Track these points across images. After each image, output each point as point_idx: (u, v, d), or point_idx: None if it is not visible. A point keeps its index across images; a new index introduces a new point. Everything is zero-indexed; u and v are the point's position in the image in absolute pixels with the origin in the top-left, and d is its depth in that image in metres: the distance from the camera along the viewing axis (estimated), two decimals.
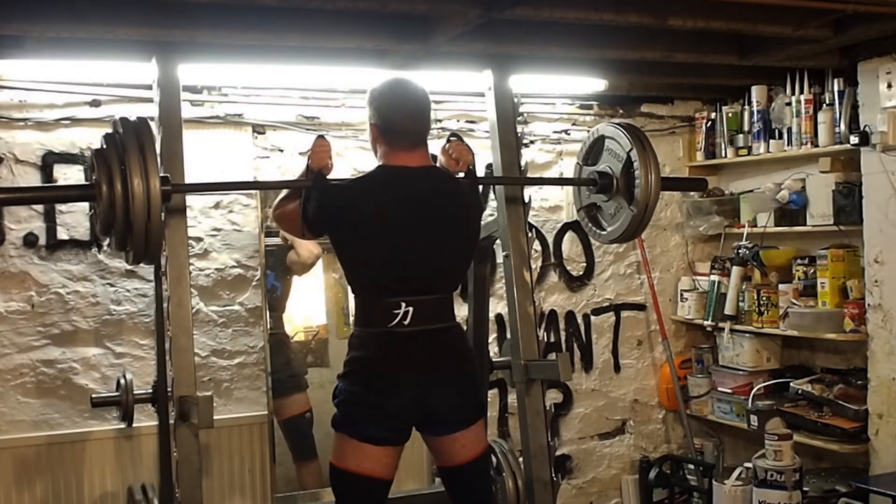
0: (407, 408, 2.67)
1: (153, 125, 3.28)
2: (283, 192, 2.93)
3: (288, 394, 4.29)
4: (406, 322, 2.63)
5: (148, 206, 2.46)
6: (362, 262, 2.70)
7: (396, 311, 2.62)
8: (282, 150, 4.13)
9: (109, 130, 2.62)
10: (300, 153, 4.15)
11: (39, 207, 3.69)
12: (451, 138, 3.05)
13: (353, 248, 2.69)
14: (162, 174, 2.62)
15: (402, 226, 2.65)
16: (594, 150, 3.37)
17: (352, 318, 4.10)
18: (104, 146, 2.52)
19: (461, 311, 3.54)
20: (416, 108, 2.73)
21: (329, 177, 2.77)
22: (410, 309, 2.63)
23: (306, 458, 4.34)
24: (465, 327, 3.01)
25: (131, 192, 2.44)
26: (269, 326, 4.08)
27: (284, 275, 4.39)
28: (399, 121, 2.70)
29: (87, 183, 2.60)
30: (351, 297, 4.08)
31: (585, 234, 4.75)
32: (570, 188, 4.73)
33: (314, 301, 4.37)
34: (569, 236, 4.78)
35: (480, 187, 3.42)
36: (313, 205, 2.70)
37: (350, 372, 2.70)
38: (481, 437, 2.83)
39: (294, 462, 4.36)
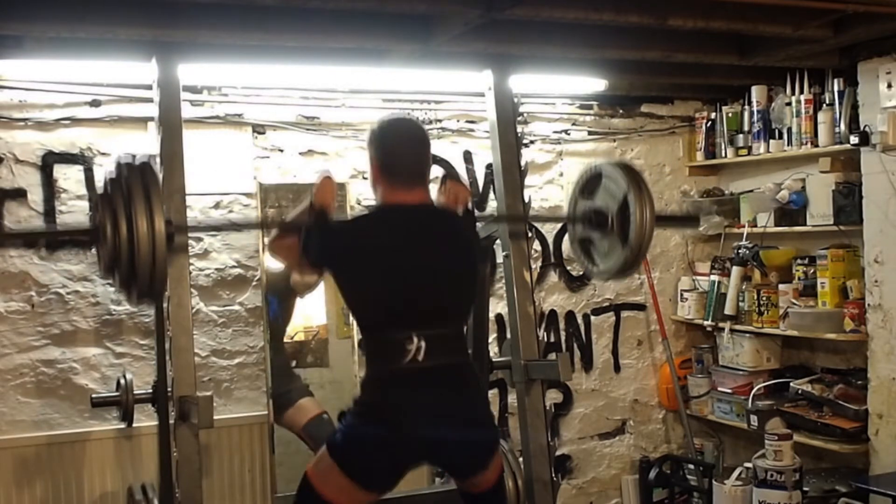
0: (415, 463, 2.64)
1: (153, 125, 3.30)
2: (278, 230, 2.90)
3: (295, 400, 4.24)
4: (420, 358, 2.54)
5: (153, 249, 2.43)
6: (367, 298, 2.64)
7: (409, 347, 2.53)
8: (282, 150, 4.13)
9: (113, 174, 2.60)
10: (300, 153, 4.17)
11: (39, 207, 3.69)
12: (446, 179, 3.03)
13: (357, 284, 2.64)
14: (166, 217, 2.60)
15: (404, 259, 2.62)
16: (591, 183, 3.38)
17: (352, 319, 4.12)
18: (108, 188, 2.51)
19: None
20: (415, 147, 2.71)
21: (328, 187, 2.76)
22: (423, 343, 2.54)
23: None
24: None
25: (136, 236, 2.41)
26: (269, 353, 4.03)
27: (288, 298, 4.35)
28: (398, 160, 2.67)
29: (91, 226, 2.58)
30: None
31: None
32: (570, 189, 4.74)
33: (314, 301, 4.36)
34: (569, 236, 4.77)
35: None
36: (314, 242, 2.66)
37: (363, 413, 2.60)
38: (497, 466, 2.79)
39: None
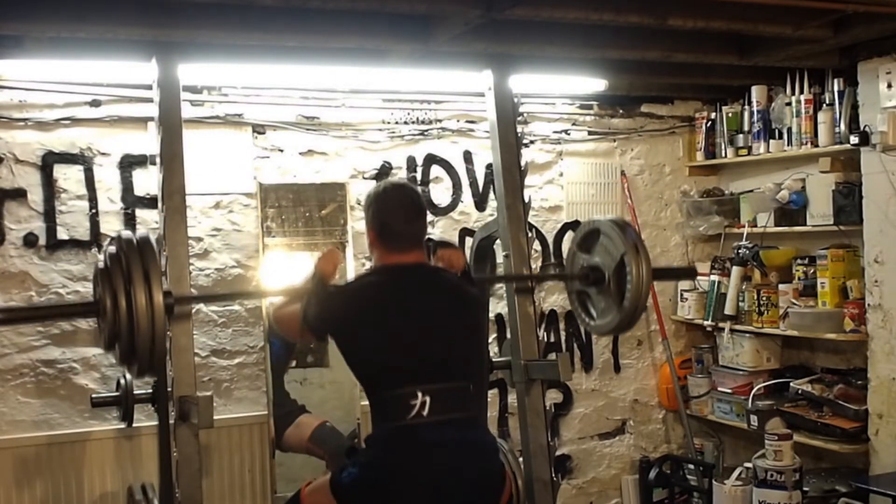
0: None
1: (153, 125, 3.30)
2: (281, 300, 2.94)
3: (295, 418, 4.22)
4: (425, 413, 2.54)
5: (152, 321, 2.46)
6: (370, 358, 2.65)
7: (413, 402, 2.54)
8: (282, 150, 4.13)
9: (112, 249, 2.61)
10: (300, 153, 4.17)
11: (39, 207, 3.70)
12: (439, 248, 3.04)
13: (359, 346, 2.66)
14: (166, 288, 2.61)
15: (404, 316, 2.64)
16: (589, 238, 3.40)
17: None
18: (108, 264, 2.53)
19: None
20: (412, 216, 2.75)
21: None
22: (427, 399, 2.54)
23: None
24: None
25: (135, 309, 2.44)
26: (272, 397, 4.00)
27: (289, 341, 4.33)
28: (395, 227, 2.71)
29: (92, 300, 2.62)
30: None
31: None
32: (570, 190, 4.75)
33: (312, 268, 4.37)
34: (569, 236, 4.77)
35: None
36: (313, 310, 2.68)
37: (368, 473, 2.59)
38: None
39: (328, 468, 4.25)
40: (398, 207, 2.72)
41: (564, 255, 4.70)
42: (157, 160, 3.16)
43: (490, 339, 4.38)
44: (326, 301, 2.69)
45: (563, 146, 4.75)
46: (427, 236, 2.90)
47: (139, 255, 2.49)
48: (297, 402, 4.15)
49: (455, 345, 2.69)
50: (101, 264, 2.55)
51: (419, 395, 2.54)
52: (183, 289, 3.02)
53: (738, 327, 4.64)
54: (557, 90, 4.58)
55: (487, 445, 2.74)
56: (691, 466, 4.75)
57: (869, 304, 4.01)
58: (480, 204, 4.53)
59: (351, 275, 4.15)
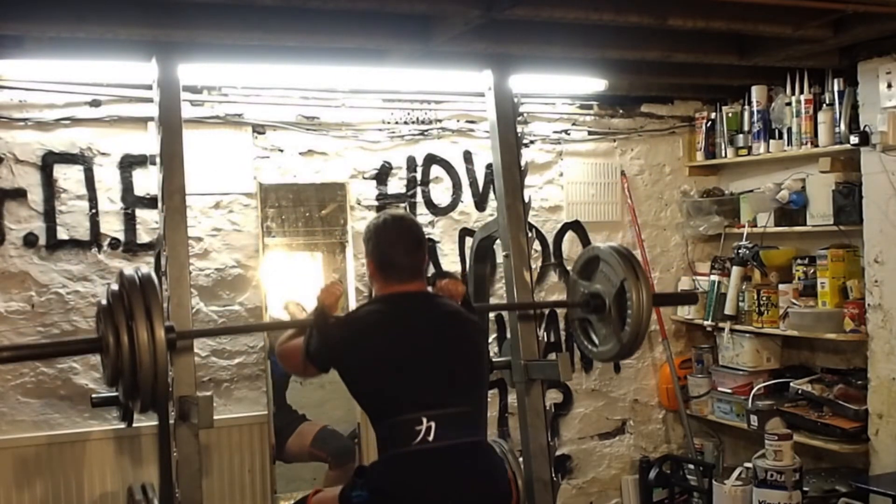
0: None
1: (153, 125, 3.30)
2: (285, 334, 2.95)
3: (295, 427, 4.22)
4: (430, 438, 2.54)
5: (154, 357, 2.50)
6: (374, 386, 2.65)
7: (419, 428, 2.54)
8: (282, 150, 4.13)
9: (115, 287, 2.64)
10: (300, 153, 4.17)
11: (39, 207, 3.70)
12: (438, 278, 3.10)
13: (362, 374, 2.66)
14: (167, 323, 2.64)
15: (406, 343, 2.65)
16: (589, 265, 3.41)
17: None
18: (110, 301, 2.56)
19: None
20: (412, 244, 2.77)
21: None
22: (433, 424, 2.55)
23: (346, 461, 4.21)
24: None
25: (137, 345, 2.48)
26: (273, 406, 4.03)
27: None
28: (396, 260, 2.73)
29: (95, 337, 2.64)
30: (352, 295, 4.12)
31: (586, 233, 4.78)
32: (570, 190, 4.75)
33: (314, 301, 4.36)
34: (569, 236, 4.78)
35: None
36: (316, 342, 2.71)
37: (378, 494, 2.58)
38: None
39: (331, 470, 4.26)
40: (398, 240, 2.75)
41: (564, 255, 4.73)
42: (157, 160, 3.17)
43: (490, 339, 4.38)
44: (328, 332, 2.71)
45: (563, 146, 4.75)
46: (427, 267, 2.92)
47: (141, 293, 2.53)
48: (297, 412, 4.16)
49: (458, 370, 2.71)
50: (103, 301, 2.59)
51: (424, 420, 2.55)
52: (183, 289, 3.02)
53: (738, 327, 4.64)
54: (557, 90, 4.58)
55: (495, 468, 2.74)
56: (691, 466, 4.75)
57: (869, 304, 4.01)
58: (480, 204, 4.53)
59: (351, 274, 4.16)
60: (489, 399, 3.58)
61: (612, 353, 3.31)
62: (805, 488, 4.01)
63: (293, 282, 4.56)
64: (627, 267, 3.21)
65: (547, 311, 4.68)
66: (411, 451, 2.55)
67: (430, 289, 2.90)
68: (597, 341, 3.39)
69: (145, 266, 2.71)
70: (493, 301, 4.35)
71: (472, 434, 2.68)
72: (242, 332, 4.06)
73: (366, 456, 4.00)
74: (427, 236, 4.34)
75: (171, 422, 2.95)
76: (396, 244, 2.74)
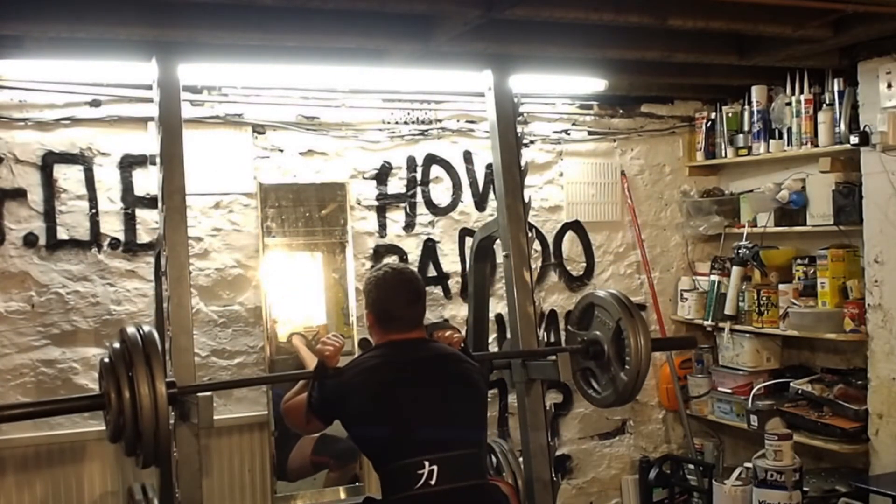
0: None
1: (153, 125, 3.30)
2: (291, 391, 2.99)
3: (294, 442, 4.20)
4: (433, 482, 2.56)
5: (156, 413, 2.55)
6: (375, 430, 2.67)
7: (420, 472, 2.56)
8: (282, 150, 4.13)
9: (117, 345, 2.66)
10: (300, 153, 4.17)
11: (39, 207, 3.70)
12: (437, 328, 3.11)
13: (364, 420, 2.69)
14: (168, 379, 2.69)
15: (408, 387, 2.68)
16: (585, 316, 3.44)
17: (352, 318, 4.11)
18: (112, 358, 2.61)
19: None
20: (412, 297, 2.82)
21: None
22: (435, 468, 2.56)
23: (348, 461, 4.23)
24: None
25: (139, 403, 2.53)
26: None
27: None
28: (396, 313, 2.78)
29: (98, 394, 2.69)
30: (352, 295, 4.12)
31: (586, 233, 4.78)
32: (570, 190, 4.75)
33: (314, 301, 4.36)
34: (569, 236, 4.78)
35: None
36: (317, 393, 2.75)
37: None
38: None
39: (331, 471, 4.26)
40: (398, 294, 2.79)
41: (564, 255, 4.73)
42: (157, 160, 3.16)
43: (490, 339, 4.38)
44: (329, 383, 2.74)
45: (563, 146, 4.75)
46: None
47: (143, 352, 2.58)
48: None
49: (459, 413, 2.73)
50: (106, 360, 2.64)
51: (426, 464, 2.57)
52: (183, 289, 3.03)
53: (738, 327, 4.64)
54: (557, 90, 4.58)
55: None
56: (691, 466, 4.75)
57: (869, 304, 4.01)
58: (480, 204, 4.53)
59: (351, 275, 4.15)
60: (489, 399, 3.58)
61: (616, 393, 3.33)
62: (805, 488, 4.01)
63: (293, 282, 4.56)
64: (622, 306, 3.26)
65: (547, 312, 4.68)
66: (413, 495, 2.57)
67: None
68: (599, 388, 3.41)
69: (147, 325, 2.78)
70: (492, 300, 4.35)
71: (475, 476, 2.70)
72: (248, 385, 3.96)
73: (366, 459, 3.98)
74: (427, 236, 4.39)
75: (172, 422, 2.95)
76: (397, 298, 2.79)
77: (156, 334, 2.69)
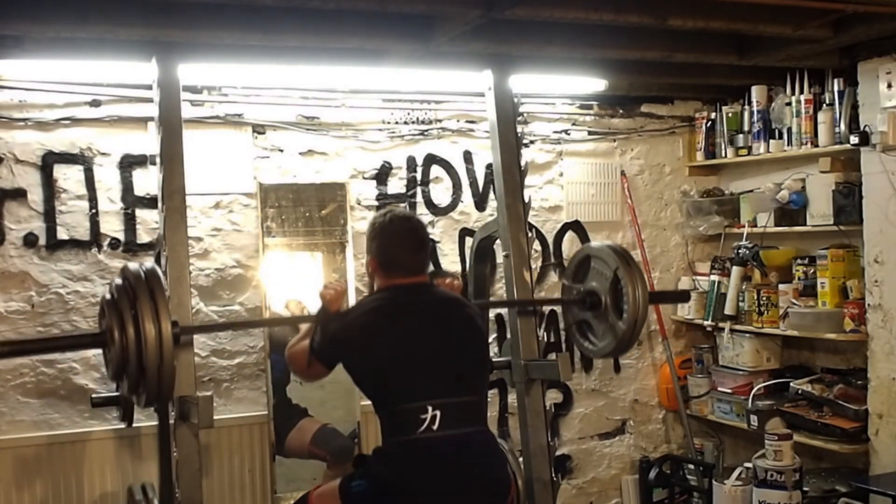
0: None
1: (153, 125, 3.30)
2: (296, 337, 2.97)
3: (296, 422, 4.21)
4: (435, 427, 2.55)
5: (160, 350, 2.49)
6: (379, 373, 2.65)
7: (423, 416, 2.55)
8: (282, 150, 4.13)
9: (119, 281, 2.62)
10: (300, 153, 4.17)
11: (39, 207, 3.70)
12: (438, 276, 3.10)
13: (367, 363, 2.67)
14: (172, 319, 2.62)
15: (411, 332, 2.66)
16: (581, 268, 3.42)
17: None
18: (114, 295, 2.54)
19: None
20: (417, 245, 2.79)
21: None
22: (438, 413, 2.55)
23: (346, 460, 4.19)
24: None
25: (144, 338, 2.47)
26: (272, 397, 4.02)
27: None
28: (398, 260, 2.75)
29: (99, 331, 2.63)
30: (352, 295, 4.11)
31: (586, 233, 4.78)
32: (570, 190, 4.75)
33: (314, 300, 4.36)
34: (569, 236, 4.78)
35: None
36: (320, 337, 2.72)
37: (378, 489, 2.59)
38: None
39: (329, 469, 4.26)
40: (403, 241, 2.75)
41: (564, 255, 4.73)
42: (157, 160, 3.17)
43: (490, 339, 4.38)
44: (332, 325, 2.72)
45: (563, 146, 4.75)
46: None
47: (147, 287, 2.52)
48: (299, 406, 4.15)
49: (463, 358, 2.72)
50: (107, 296, 2.58)
51: (429, 409, 2.56)
52: (183, 289, 3.02)
53: (738, 327, 4.64)
54: (557, 90, 4.58)
55: (498, 458, 2.75)
56: (691, 466, 4.75)
57: (869, 304, 4.01)
58: (480, 204, 4.53)
59: (351, 274, 4.16)
60: (489, 399, 3.59)
61: (612, 343, 3.30)
62: (805, 488, 4.01)
63: (293, 282, 4.56)
64: (619, 256, 3.22)
65: (547, 312, 4.68)
66: (415, 439, 2.56)
67: None
68: (595, 340, 3.39)
69: (149, 261, 2.70)
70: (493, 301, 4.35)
71: (476, 423, 2.69)
72: (246, 328, 4.05)
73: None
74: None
75: (171, 422, 2.95)
76: (401, 244, 2.75)
77: (159, 270, 2.63)
